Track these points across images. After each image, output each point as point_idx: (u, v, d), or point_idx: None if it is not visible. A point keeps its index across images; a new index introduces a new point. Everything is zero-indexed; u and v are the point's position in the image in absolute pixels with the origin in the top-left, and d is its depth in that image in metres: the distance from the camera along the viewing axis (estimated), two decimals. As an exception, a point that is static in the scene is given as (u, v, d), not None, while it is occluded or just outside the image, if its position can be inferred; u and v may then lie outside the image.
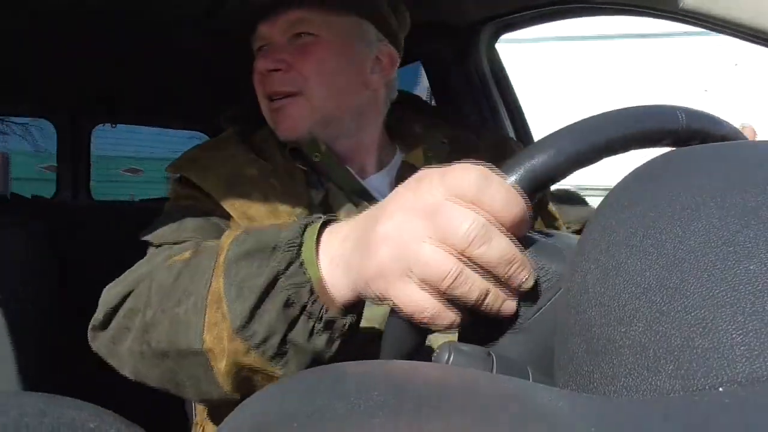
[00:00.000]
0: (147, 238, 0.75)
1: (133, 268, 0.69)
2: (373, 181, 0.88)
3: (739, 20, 0.76)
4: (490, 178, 0.40)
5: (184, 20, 1.27)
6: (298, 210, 0.77)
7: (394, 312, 0.44)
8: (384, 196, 0.82)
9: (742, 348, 0.23)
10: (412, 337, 0.44)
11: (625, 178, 0.38)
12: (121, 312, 0.64)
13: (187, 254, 0.62)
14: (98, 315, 0.66)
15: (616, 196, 0.37)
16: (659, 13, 0.85)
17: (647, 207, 0.32)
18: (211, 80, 1.75)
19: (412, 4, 0.91)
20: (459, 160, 0.42)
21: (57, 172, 2.18)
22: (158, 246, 0.72)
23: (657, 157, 0.39)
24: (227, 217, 0.77)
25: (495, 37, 1.26)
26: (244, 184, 0.78)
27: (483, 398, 0.18)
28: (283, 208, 0.77)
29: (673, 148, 0.44)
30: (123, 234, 0.83)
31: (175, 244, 0.71)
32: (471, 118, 1.25)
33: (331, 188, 0.84)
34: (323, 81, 0.85)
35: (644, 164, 0.39)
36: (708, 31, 0.82)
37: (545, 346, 0.40)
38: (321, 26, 0.85)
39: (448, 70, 1.29)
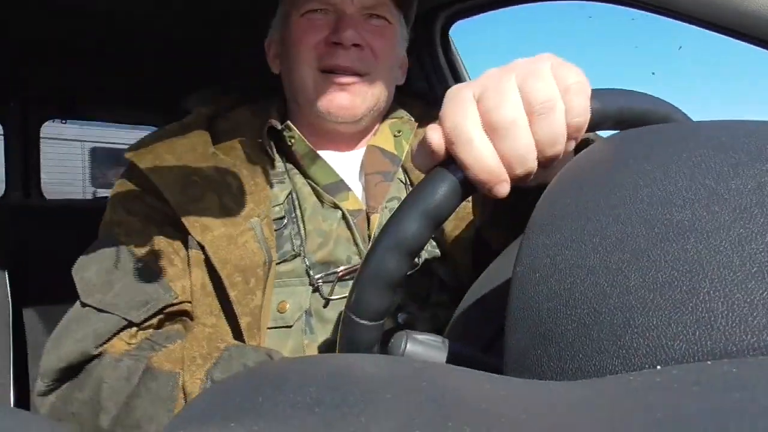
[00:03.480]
0: (75, 278, 0.72)
1: (65, 327, 0.69)
2: (343, 162, 0.87)
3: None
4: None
5: (144, 8, 1.23)
6: (257, 212, 0.75)
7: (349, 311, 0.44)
8: (352, 180, 0.82)
9: (679, 327, 0.24)
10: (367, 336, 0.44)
11: (569, 164, 0.38)
12: (61, 391, 0.68)
13: (131, 352, 0.66)
14: (40, 385, 0.68)
15: (560, 181, 0.37)
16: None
17: (590, 191, 0.33)
18: (171, 74, 1.70)
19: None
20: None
21: (5, 171, 2.09)
22: (84, 304, 0.69)
23: (600, 141, 0.40)
24: (174, 223, 0.73)
25: (449, 24, 1.27)
26: (198, 185, 0.75)
27: (421, 392, 0.18)
28: (241, 212, 0.74)
29: (617, 131, 0.44)
30: (82, 236, 0.80)
31: (100, 311, 0.68)
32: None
33: (298, 182, 0.82)
34: (387, 69, 0.85)
35: (588, 148, 0.39)
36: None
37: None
38: (392, 13, 0.85)
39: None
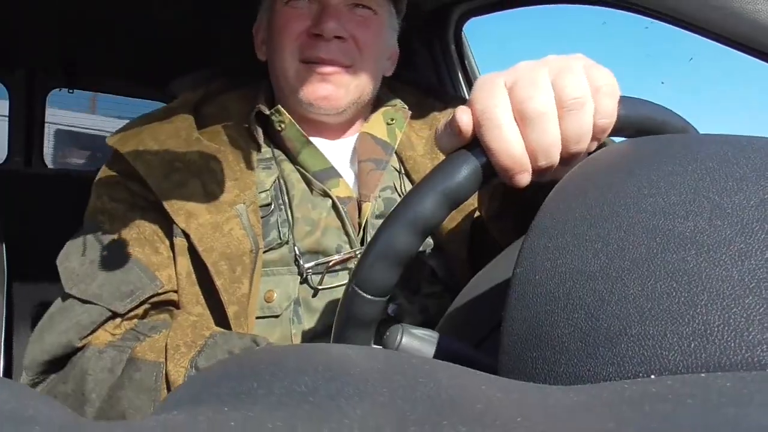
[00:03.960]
0: (60, 268, 0.71)
1: (49, 319, 0.69)
2: (334, 149, 0.86)
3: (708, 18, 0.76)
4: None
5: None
6: (243, 199, 0.74)
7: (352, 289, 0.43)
8: (344, 168, 0.82)
9: (675, 337, 0.24)
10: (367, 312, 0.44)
11: (575, 168, 0.38)
12: (46, 384, 0.68)
13: (115, 343, 0.66)
14: (25, 378, 0.68)
15: (565, 185, 0.37)
16: (637, 5, 0.84)
17: (594, 197, 0.33)
18: (180, 48, 1.69)
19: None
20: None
21: (8, 138, 2.09)
22: (68, 295, 0.69)
23: (604, 149, 0.40)
24: (159, 210, 0.73)
25: (462, 21, 1.26)
26: (181, 171, 0.74)
27: (417, 388, 0.18)
28: (226, 198, 0.73)
29: (622, 140, 0.44)
30: (81, 205, 0.80)
31: (84, 302, 0.68)
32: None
33: (286, 168, 0.81)
34: (372, 60, 0.83)
35: (593, 155, 0.39)
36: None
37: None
38: (378, 3, 0.83)
39: (414, 52, 1.29)
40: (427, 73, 1.29)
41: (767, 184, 0.28)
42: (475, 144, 0.43)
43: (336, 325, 0.46)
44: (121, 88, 2.29)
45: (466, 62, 1.28)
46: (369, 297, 0.43)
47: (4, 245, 1.52)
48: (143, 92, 2.28)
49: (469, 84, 1.27)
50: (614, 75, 0.43)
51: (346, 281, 0.76)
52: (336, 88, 0.79)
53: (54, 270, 0.71)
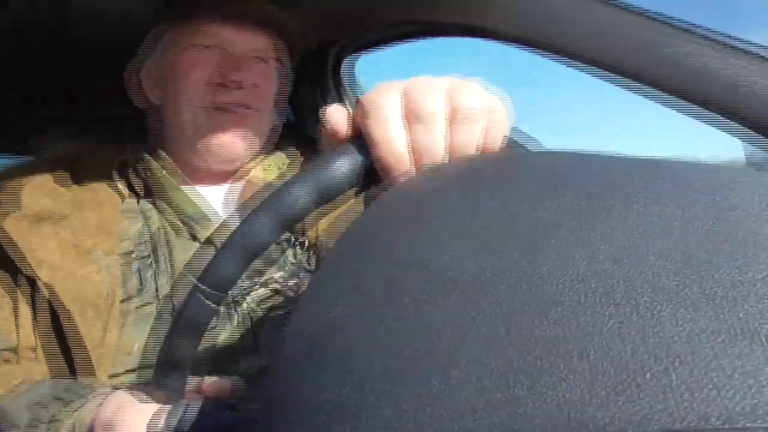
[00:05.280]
0: None
1: None
2: (216, 194, 0.84)
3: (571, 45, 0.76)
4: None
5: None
6: (103, 247, 0.71)
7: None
8: (224, 209, 0.79)
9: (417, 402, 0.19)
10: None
11: (386, 192, 0.34)
12: None
13: None
14: None
15: (361, 219, 0.32)
16: (499, 35, 0.84)
17: (373, 236, 0.28)
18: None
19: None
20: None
21: None
22: None
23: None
24: (11, 268, 0.69)
25: (340, 59, 1.25)
26: (39, 222, 0.70)
27: None
28: (84, 246, 0.70)
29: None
30: None
31: None
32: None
33: (159, 218, 0.78)
34: (270, 111, 0.85)
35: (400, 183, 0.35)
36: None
37: None
38: (282, 56, 0.85)
39: (295, 93, 1.26)
40: (309, 114, 1.26)
41: (548, 204, 0.24)
42: (359, 139, 0.40)
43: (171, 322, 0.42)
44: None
45: (346, 102, 1.26)
46: (208, 290, 0.40)
47: None
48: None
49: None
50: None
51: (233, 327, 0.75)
52: (235, 138, 0.80)
53: None
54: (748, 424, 0.14)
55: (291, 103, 1.29)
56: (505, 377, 0.17)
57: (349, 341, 0.22)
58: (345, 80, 1.26)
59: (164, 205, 0.79)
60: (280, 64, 0.87)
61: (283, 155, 0.89)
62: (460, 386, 0.18)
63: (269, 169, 0.86)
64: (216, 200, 0.82)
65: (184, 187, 0.80)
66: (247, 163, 0.86)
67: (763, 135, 0.59)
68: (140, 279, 0.73)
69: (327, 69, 1.25)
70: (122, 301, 0.71)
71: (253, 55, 0.82)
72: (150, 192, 0.80)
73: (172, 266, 0.75)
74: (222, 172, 0.84)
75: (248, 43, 0.81)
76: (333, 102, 1.26)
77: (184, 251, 0.76)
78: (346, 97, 1.27)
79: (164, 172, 0.78)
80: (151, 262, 0.75)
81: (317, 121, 1.24)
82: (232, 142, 0.79)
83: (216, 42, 0.80)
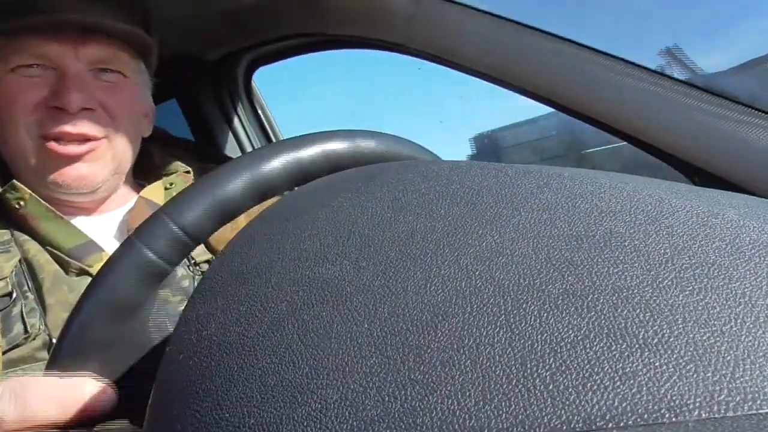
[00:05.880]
0: None
1: None
2: (94, 223, 0.76)
3: (462, 54, 0.79)
4: None
5: None
6: None
7: None
8: (109, 241, 0.71)
9: (290, 425, 0.19)
10: None
11: (263, 212, 0.33)
12: None
13: None
14: None
15: (243, 232, 0.31)
16: (390, 45, 0.86)
17: (258, 247, 0.27)
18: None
19: (163, 38, 0.82)
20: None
21: None
22: None
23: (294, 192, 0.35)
24: None
25: (252, 69, 1.23)
26: None
27: None
28: None
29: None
30: None
31: None
32: (227, 152, 1.20)
33: (30, 250, 0.68)
34: (128, 127, 0.74)
35: (282, 199, 0.34)
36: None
37: None
38: (127, 66, 0.74)
39: (203, 104, 1.23)
40: (218, 124, 1.23)
41: (423, 212, 0.24)
42: None
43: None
44: None
45: (259, 111, 1.24)
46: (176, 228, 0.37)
47: None
48: None
49: (264, 132, 1.23)
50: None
51: None
52: (89, 165, 0.70)
53: None
54: (630, 423, 0.15)
55: (192, 112, 1.27)
56: (403, 390, 0.17)
57: (232, 361, 0.22)
58: (257, 91, 1.24)
59: (43, 237, 0.69)
60: (132, 72, 0.76)
61: (172, 175, 0.81)
62: (360, 399, 0.18)
63: (157, 189, 0.78)
64: (93, 229, 0.72)
65: (70, 217, 0.71)
66: (118, 185, 0.77)
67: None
68: (24, 323, 0.63)
69: (237, 80, 1.22)
70: (5, 353, 0.60)
71: (93, 67, 0.71)
72: (23, 222, 0.70)
73: (43, 303, 0.65)
74: (95, 202, 0.75)
75: (81, 54, 0.69)
76: (245, 114, 1.24)
77: (61, 284, 0.66)
78: (260, 109, 1.25)
79: (40, 202, 0.69)
80: (30, 299, 0.65)
81: (222, 130, 1.22)
82: (83, 175, 0.70)
83: (45, 60, 0.69)
